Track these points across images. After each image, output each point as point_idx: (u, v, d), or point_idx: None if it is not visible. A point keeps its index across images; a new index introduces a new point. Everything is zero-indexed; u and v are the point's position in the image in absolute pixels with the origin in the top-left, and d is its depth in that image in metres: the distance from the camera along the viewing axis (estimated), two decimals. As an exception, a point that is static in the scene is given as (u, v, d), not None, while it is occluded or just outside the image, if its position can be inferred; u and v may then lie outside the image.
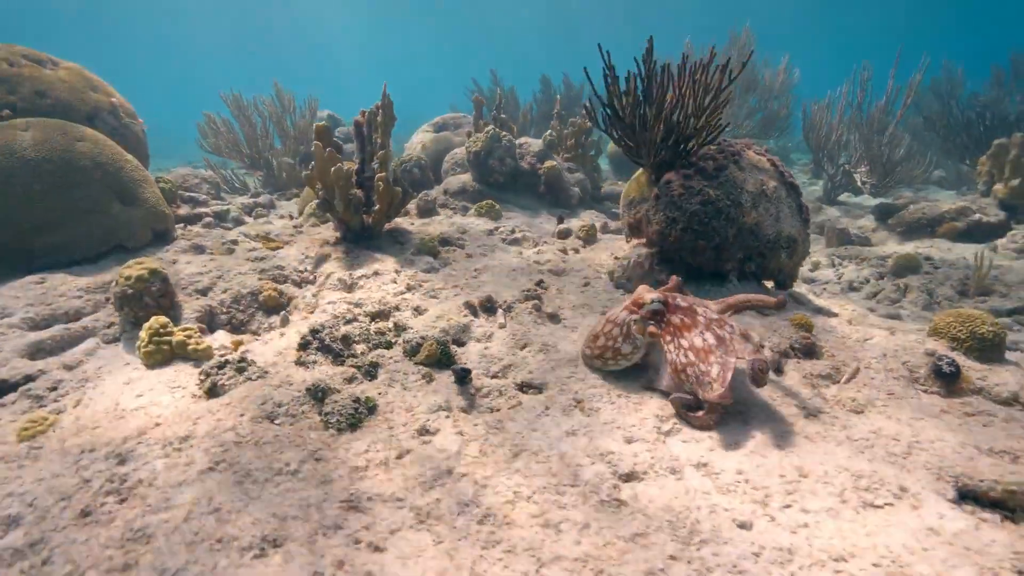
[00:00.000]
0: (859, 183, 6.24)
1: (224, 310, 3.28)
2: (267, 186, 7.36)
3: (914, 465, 1.81)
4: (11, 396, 2.36)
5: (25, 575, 1.47)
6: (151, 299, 2.93)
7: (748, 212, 3.16)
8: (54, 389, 2.43)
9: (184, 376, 2.36)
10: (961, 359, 2.60)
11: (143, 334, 2.50)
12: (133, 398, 2.19)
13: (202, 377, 2.29)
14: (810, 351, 2.68)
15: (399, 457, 1.82)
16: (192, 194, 5.50)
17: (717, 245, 3.14)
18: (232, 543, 1.46)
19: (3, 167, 3.32)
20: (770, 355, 2.47)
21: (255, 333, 3.20)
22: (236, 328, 3.24)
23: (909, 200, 5.98)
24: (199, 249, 3.89)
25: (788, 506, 1.64)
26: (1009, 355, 2.70)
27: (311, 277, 3.58)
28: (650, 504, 1.65)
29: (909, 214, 5.52)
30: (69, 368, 2.65)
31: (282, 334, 2.85)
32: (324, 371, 2.37)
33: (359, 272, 3.51)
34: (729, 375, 2.06)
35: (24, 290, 3.11)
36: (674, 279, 2.53)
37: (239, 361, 2.34)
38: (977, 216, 5.13)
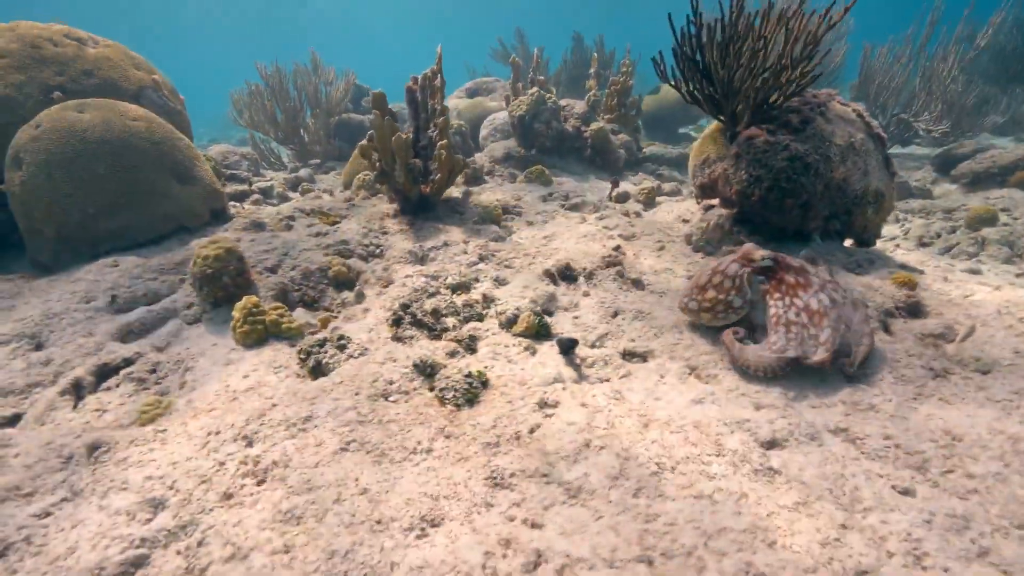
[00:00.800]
0: (922, 131, 5.93)
1: (295, 287, 3.24)
2: (298, 160, 7.24)
3: (1069, 425, 1.72)
4: (114, 379, 2.36)
5: (182, 555, 1.48)
6: (229, 279, 2.90)
7: (836, 167, 3.00)
8: (153, 372, 2.43)
9: (283, 356, 2.33)
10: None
11: (236, 314, 2.47)
12: (240, 379, 2.17)
13: (302, 356, 2.26)
14: (915, 310, 2.57)
15: (531, 432, 1.78)
16: (233, 171, 5.43)
17: (804, 203, 3.00)
18: (392, 524, 1.44)
19: (67, 150, 3.26)
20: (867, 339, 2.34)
21: (328, 309, 3.17)
22: (309, 305, 3.20)
23: (974, 148, 5.69)
24: (258, 226, 3.84)
25: (950, 471, 1.58)
26: None
27: (377, 250, 3.52)
28: (802, 472, 1.59)
29: (976, 163, 5.26)
30: (160, 350, 2.64)
31: (366, 310, 2.81)
32: (424, 346, 2.33)
33: (428, 244, 3.43)
34: (837, 340, 2.01)
35: (102, 274, 3.10)
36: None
37: (338, 339, 2.31)
38: (1050, 163, 4.86)
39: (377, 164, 3.83)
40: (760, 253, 2.30)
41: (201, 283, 2.86)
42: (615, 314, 2.67)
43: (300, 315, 2.94)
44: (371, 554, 1.36)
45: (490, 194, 4.58)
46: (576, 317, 2.66)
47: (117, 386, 2.34)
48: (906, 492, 1.53)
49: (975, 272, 3.85)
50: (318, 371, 2.18)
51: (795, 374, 2.03)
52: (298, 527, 1.48)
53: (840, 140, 3.02)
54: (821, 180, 2.97)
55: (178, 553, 1.48)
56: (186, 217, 3.74)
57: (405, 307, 2.57)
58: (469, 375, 2.04)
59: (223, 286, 2.87)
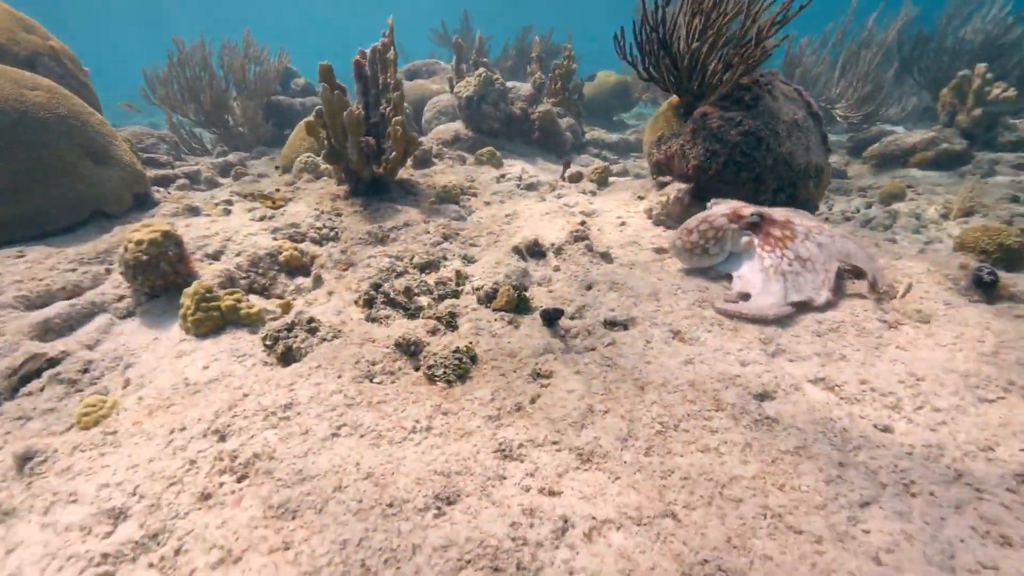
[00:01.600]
0: (839, 117, 6.47)
1: (243, 274, 2.97)
2: (222, 144, 6.66)
3: (1007, 362, 1.93)
4: (37, 383, 2.05)
5: (157, 568, 1.30)
6: (168, 265, 2.60)
7: (784, 142, 3.18)
8: (86, 371, 2.13)
9: (245, 343, 2.12)
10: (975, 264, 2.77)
11: (187, 301, 2.21)
12: (200, 371, 1.95)
13: (268, 342, 2.07)
14: (860, 272, 2.78)
15: (532, 402, 1.74)
16: (151, 155, 4.91)
17: (757, 176, 3.15)
18: (405, 505, 1.35)
19: (-51, 121, 2.77)
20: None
21: (281, 296, 2.94)
22: (259, 293, 2.95)
23: (878, 133, 6.28)
24: (193, 211, 3.48)
25: (920, 407, 1.71)
26: None
27: (332, 233, 3.30)
28: (795, 419, 1.67)
29: (883, 146, 5.80)
30: (90, 347, 2.33)
31: (329, 293, 2.62)
32: (403, 325, 2.21)
33: (387, 224, 3.27)
34: (833, 279, 2.30)
35: (4, 266, 2.67)
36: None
37: (308, 322, 2.13)
38: (944, 145, 5.46)
39: (326, 142, 3.59)
40: (749, 210, 2.49)
41: (135, 271, 2.55)
42: (589, 286, 2.67)
43: (256, 301, 2.70)
44: (388, 538, 1.26)
45: (443, 176, 4.45)
46: (551, 291, 2.64)
47: (41, 390, 2.02)
48: (886, 429, 1.64)
49: (890, 241, 4.25)
50: (289, 357, 2.00)
51: (769, 329, 2.13)
52: (295, 521, 1.35)
53: (786, 117, 3.20)
54: (771, 154, 3.13)
55: (151, 566, 1.31)
56: (105, 201, 3.32)
57: (376, 287, 2.42)
58: (457, 350, 1.95)
59: (161, 273, 2.57)
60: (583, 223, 3.27)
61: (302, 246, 3.21)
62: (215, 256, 3.03)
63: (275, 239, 3.23)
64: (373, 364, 1.93)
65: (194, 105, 5.84)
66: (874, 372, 1.87)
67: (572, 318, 2.39)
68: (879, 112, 6.58)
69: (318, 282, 2.91)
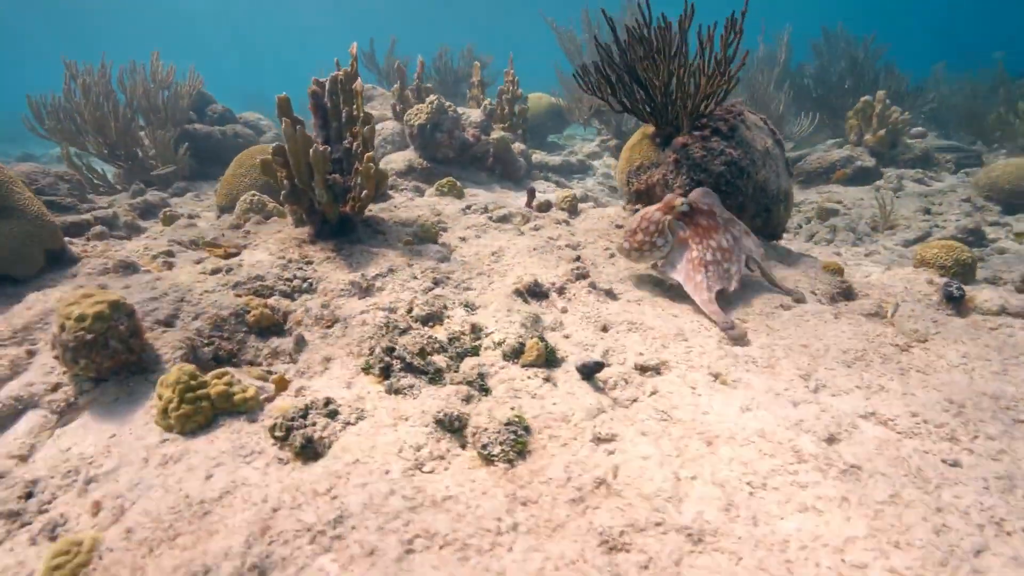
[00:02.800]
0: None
1: (205, 341, 2.55)
2: (130, 181, 5.85)
3: (1018, 379, 2.07)
4: (-40, 522, 1.56)
5: None
6: (119, 343, 2.15)
7: (759, 170, 3.31)
8: (30, 495, 1.67)
9: (247, 438, 1.77)
10: (942, 280, 3.04)
11: (167, 392, 1.80)
12: (202, 482, 1.57)
13: (279, 434, 1.74)
14: (849, 293, 2.93)
15: (614, 476, 1.58)
16: (50, 197, 4.19)
17: (740, 203, 3.25)
18: (529, 637, 1.13)
19: None
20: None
21: (253, 363, 2.55)
22: (225, 361, 2.54)
23: (798, 154, 6.87)
24: (128, 268, 2.96)
25: (975, 437, 1.77)
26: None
27: (305, 284, 2.94)
28: (873, 463, 1.65)
29: (808, 164, 6.34)
30: (24, 459, 1.85)
31: (327, 359, 2.30)
32: (431, 395, 1.96)
33: (370, 271, 2.97)
34: (743, 269, 2.70)
35: None
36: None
37: (325, 403, 1.82)
38: (859, 163, 6.08)
39: (286, 181, 3.22)
40: (679, 200, 2.70)
41: (76, 354, 2.07)
42: (605, 328, 2.58)
43: (246, 383, 2.31)
44: None
45: (406, 210, 4.18)
46: (567, 336, 2.50)
47: (-31, 530, 1.55)
48: (955, 463, 1.67)
49: (836, 255, 4.60)
50: (310, 451, 1.68)
51: (803, 362, 2.14)
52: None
53: (759, 145, 3.34)
54: (751, 182, 3.24)
55: None
56: (10, 263, 2.72)
57: (390, 350, 2.15)
58: (509, 423, 1.75)
59: (111, 353, 2.12)
60: (578, 258, 3.18)
61: (271, 301, 2.82)
62: (168, 322, 2.57)
63: (238, 295, 2.82)
64: (418, 450, 1.67)
65: (96, 137, 5.03)
66: (918, 403, 1.92)
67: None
68: (783, 131, 7.22)
69: (300, 344, 2.56)
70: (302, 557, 1.32)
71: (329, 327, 2.66)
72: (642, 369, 2.22)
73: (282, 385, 2.10)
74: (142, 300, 2.63)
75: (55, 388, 2.12)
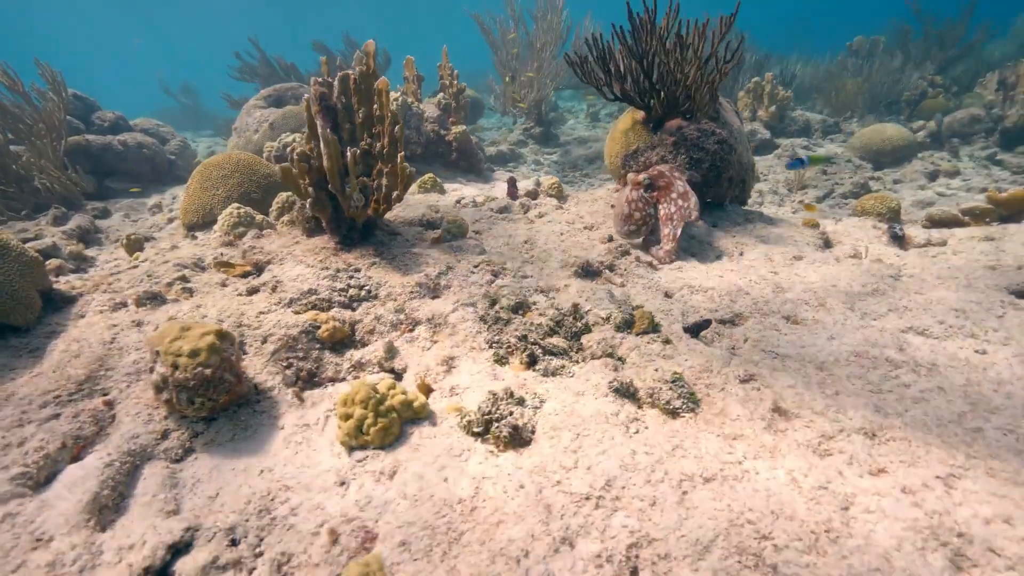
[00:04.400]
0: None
1: (283, 363, 2.41)
2: (14, 209, 4.85)
3: (979, 287, 2.76)
4: (178, 586, 1.41)
5: None
6: (232, 374, 1.98)
7: (738, 146, 3.83)
8: (233, 542, 1.54)
9: (445, 439, 1.76)
10: (884, 224, 3.82)
11: (356, 409, 1.72)
12: (446, 486, 1.57)
13: (478, 429, 1.77)
14: (828, 242, 3.56)
15: (783, 401, 1.88)
16: (-38, 234, 3.44)
17: (730, 177, 3.74)
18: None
19: None
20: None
21: (336, 379, 2.47)
22: (306, 382, 2.43)
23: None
24: (155, 299, 2.62)
25: (991, 330, 2.36)
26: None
27: (363, 293, 2.84)
28: (937, 365, 2.15)
29: (719, 140, 7.25)
30: (199, 515, 1.68)
31: (448, 360, 2.30)
32: (586, 371, 2.10)
33: (431, 271, 2.95)
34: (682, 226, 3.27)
35: (-58, 441, 1.69)
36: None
37: (508, 395, 1.88)
38: (759, 136, 7.09)
39: (311, 189, 3.04)
40: (640, 176, 3.31)
41: (192, 393, 1.88)
42: (667, 294, 2.88)
43: (321, 394, 2.23)
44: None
45: (407, 210, 4.11)
46: (640, 306, 2.76)
47: (192, 591, 1.40)
48: (983, 352, 2.23)
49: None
50: (517, 438, 1.75)
51: (844, 292, 2.64)
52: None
53: (735, 125, 3.85)
54: (735, 157, 3.75)
55: None
56: (8, 309, 2.28)
57: (524, 338, 2.23)
58: (674, 380, 1.97)
59: (227, 387, 1.95)
60: (611, 238, 3.43)
61: (333, 314, 2.71)
62: (240, 347, 2.37)
63: (297, 312, 2.67)
64: (616, 415, 1.83)
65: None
66: (936, 314, 2.50)
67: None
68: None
69: (392, 351, 2.51)
70: (598, 520, 1.43)
71: (411, 330, 2.64)
72: (724, 323, 2.56)
73: (427, 388, 2.09)
74: (221, 325, 2.38)
75: (164, 436, 1.91)
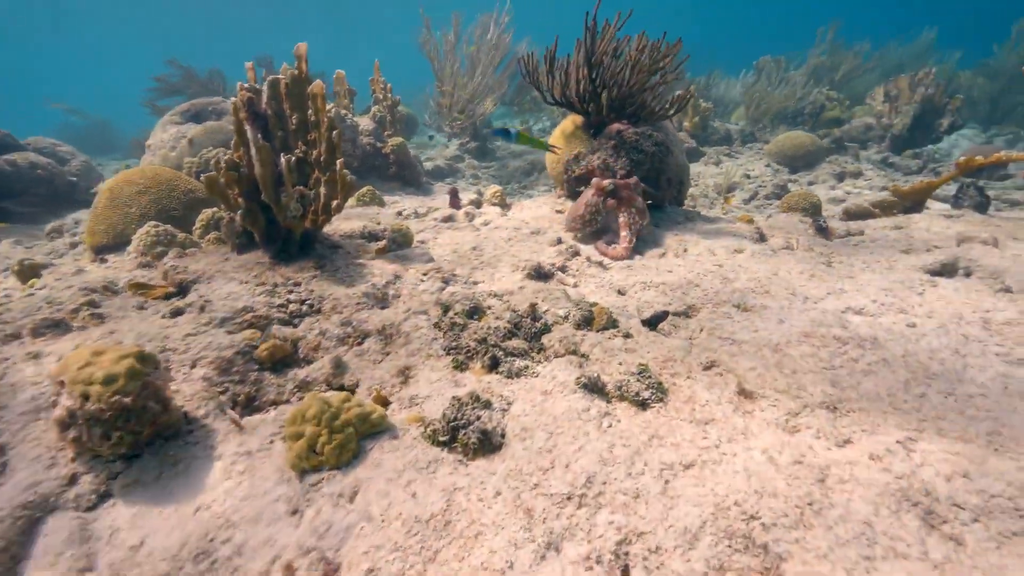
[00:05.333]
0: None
1: (218, 389, 2.17)
2: None
3: (894, 261, 2.98)
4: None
5: None
6: (156, 402, 1.74)
7: (674, 148, 3.97)
8: (165, 596, 1.31)
9: (408, 451, 1.62)
10: (810, 218, 4.09)
11: (308, 428, 1.53)
12: (415, 503, 1.42)
13: (444, 438, 1.64)
14: (763, 236, 3.74)
15: (746, 381, 1.89)
16: None
17: (668, 178, 3.86)
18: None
19: None
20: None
21: (279, 402, 2.26)
22: (247, 406, 2.21)
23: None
24: (57, 326, 2.29)
25: (919, 304, 2.53)
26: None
27: (304, 308, 2.63)
28: (879, 339, 2.27)
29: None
30: (90, 571, 1.43)
31: (405, 370, 2.16)
32: (551, 369, 2.03)
33: (377, 281, 2.79)
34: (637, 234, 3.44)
35: None
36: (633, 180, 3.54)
37: (474, 400, 1.77)
38: (686, 144, 7.47)
39: (241, 200, 2.82)
40: (606, 183, 3.43)
41: (109, 427, 1.63)
42: (621, 292, 2.89)
43: (262, 419, 2.03)
44: (838, 534, 1.29)
45: (347, 222, 3.92)
46: (595, 304, 2.75)
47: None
48: (913, 325, 2.39)
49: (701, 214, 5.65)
50: (487, 444, 1.64)
51: (786, 280, 2.75)
52: None
53: (670, 129, 4.00)
54: (673, 158, 3.88)
55: None
56: None
57: (483, 340, 2.13)
58: (640, 372, 1.95)
59: (151, 417, 1.72)
60: (560, 240, 3.42)
61: (273, 332, 2.49)
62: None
63: (230, 332, 2.43)
64: (588, 411, 1.76)
65: None
66: (868, 294, 2.66)
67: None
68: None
69: (340, 366, 2.34)
70: (581, 520, 1.35)
71: (360, 343, 2.47)
72: (679, 315, 2.59)
73: (383, 401, 1.93)
74: (141, 346, 2.10)
75: (72, 481, 1.64)
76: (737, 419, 1.73)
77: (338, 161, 2.93)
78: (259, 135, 3.06)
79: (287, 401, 2.27)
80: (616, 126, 3.80)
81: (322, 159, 2.95)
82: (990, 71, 10.57)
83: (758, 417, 1.74)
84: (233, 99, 2.76)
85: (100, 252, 3.50)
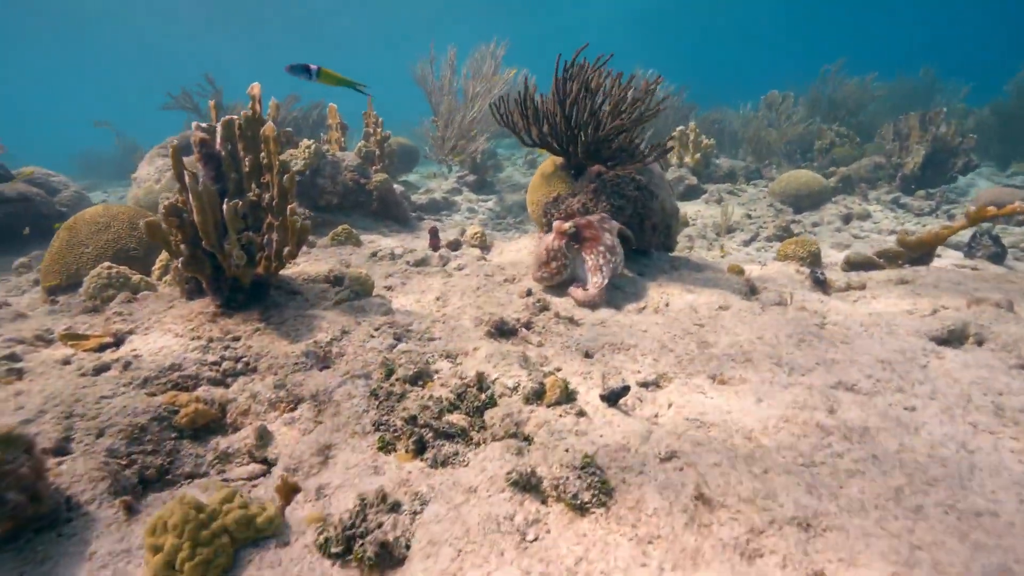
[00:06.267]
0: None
1: (123, 462, 1.95)
2: None
3: (896, 325, 2.68)
4: None
5: None
6: (19, 492, 1.52)
7: (660, 191, 3.76)
8: None
9: (293, 566, 1.38)
10: (807, 269, 3.81)
11: (169, 540, 1.28)
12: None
13: (337, 549, 1.39)
14: (754, 289, 3.47)
15: (707, 487, 1.62)
16: None
17: (654, 224, 3.64)
18: None
19: None
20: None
21: (196, 475, 2.03)
22: (155, 482, 1.98)
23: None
24: (-41, 389, 2.11)
25: (918, 383, 2.24)
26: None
27: (239, 366, 2.43)
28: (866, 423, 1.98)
29: (649, 186, 7.36)
30: None
31: (325, 449, 1.92)
32: (484, 458, 1.78)
33: (321, 337, 2.58)
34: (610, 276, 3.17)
35: None
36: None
37: (381, 499, 1.52)
38: (687, 181, 7.26)
39: (183, 246, 2.65)
40: (566, 225, 3.22)
41: (-49, 527, 1.41)
42: (587, 354, 2.64)
43: (164, 500, 1.79)
44: None
45: (315, 264, 3.75)
46: (558, 369, 2.50)
47: None
48: (913, 408, 2.09)
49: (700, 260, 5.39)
50: (386, 559, 1.39)
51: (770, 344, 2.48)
52: None
53: (655, 171, 3.80)
54: (657, 202, 3.66)
55: None
56: None
57: (412, 420, 1.89)
58: (584, 466, 1.68)
59: (11, 512, 1.50)
60: (530, 292, 3.20)
61: (199, 393, 2.29)
62: (60, 449, 1.92)
63: (151, 394, 2.24)
64: (511, 519, 1.50)
65: None
66: (863, 366, 2.37)
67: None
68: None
69: (265, 437, 2.11)
70: None
71: (292, 409, 2.25)
72: (644, 385, 2.33)
73: (290, 489, 1.69)
74: (9, 425, 1.90)
75: (-93, 589, 1.41)
76: (688, 537, 1.45)
77: (290, 206, 2.77)
78: (211, 177, 2.92)
79: (205, 474, 2.06)
80: (596, 168, 3.61)
81: (274, 203, 2.79)
82: (1002, 109, 10.26)
83: (714, 534, 1.46)
84: (173, 140, 2.63)
85: (52, 293, 3.37)
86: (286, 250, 2.85)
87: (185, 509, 1.33)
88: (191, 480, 2.02)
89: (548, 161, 4.01)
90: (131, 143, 15.93)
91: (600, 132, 3.43)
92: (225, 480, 2.00)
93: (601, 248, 3.18)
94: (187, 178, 2.53)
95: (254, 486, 1.96)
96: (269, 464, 2.05)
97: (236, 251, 2.61)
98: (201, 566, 1.29)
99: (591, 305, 3.08)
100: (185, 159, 2.95)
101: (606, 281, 3.11)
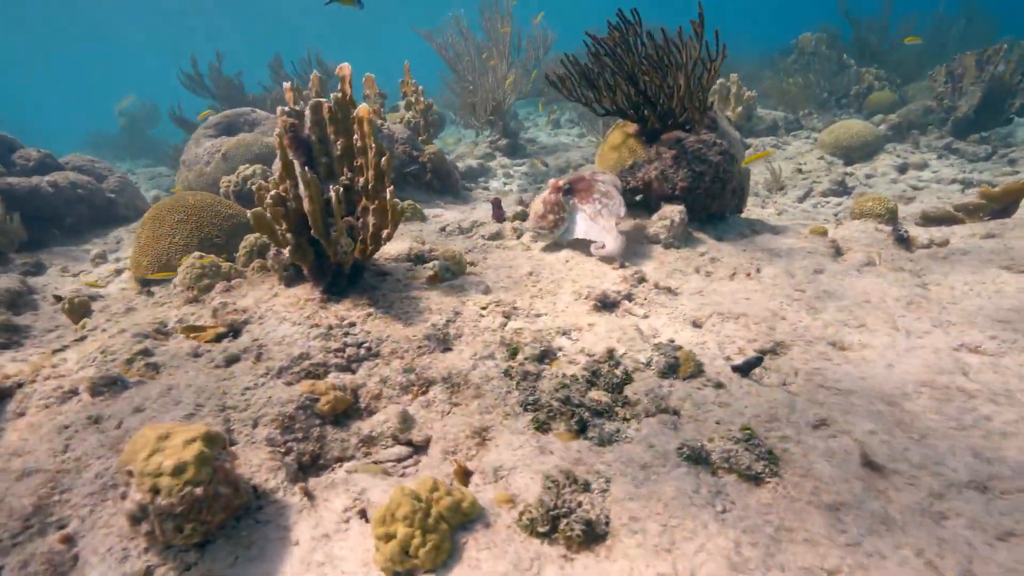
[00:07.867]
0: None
1: (282, 450, 2.05)
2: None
3: (1007, 282, 2.68)
4: None
5: None
6: (227, 486, 1.61)
7: (738, 156, 3.69)
8: None
9: (506, 546, 1.46)
10: (887, 226, 3.77)
11: (399, 528, 1.38)
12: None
13: (543, 528, 1.48)
14: (839, 250, 3.45)
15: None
16: None
17: (733, 188, 3.59)
18: None
19: None
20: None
21: (344, 458, 2.13)
22: (310, 468, 2.08)
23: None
24: (114, 384, 2.19)
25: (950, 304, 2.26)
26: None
27: (362, 352, 2.49)
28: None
29: (691, 143, 7.21)
30: None
31: (481, 431, 1.99)
32: (647, 432, 1.84)
33: (433, 319, 2.63)
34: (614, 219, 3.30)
35: None
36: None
37: (571, 480, 1.59)
38: (730, 137, 7.10)
39: (288, 235, 2.68)
40: (561, 181, 3.37)
41: (180, 521, 1.51)
42: (695, 324, 2.67)
43: (329, 482, 1.89)
44: None
45: (392, 243, 3.76)
46: (671, 340, 2.54)
47: None
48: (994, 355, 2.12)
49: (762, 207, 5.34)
50: (590, 535, 1.47)
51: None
52: None
53: (733, 135, 3.71)
54: (737, 166, 3.60)
55: None
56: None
57: (566, 400, 1.95)
58: (748, 439, 1.74)
59: (224, 503, 1.59)
60: (623, 264, 3.20)
61: (331, 380, 2.36)
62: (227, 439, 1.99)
63: (289, 383, 2.31)
64: (696, 491, 1.57)
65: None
66: (981, 326, 2.38)
67: (727, 358, 2.36)
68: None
69: (407, 420, 2.19)
70: (724, 652, 1.17)
71: (425, 392, 2.32)
72: (764, 352, 2.37)
73: (465, 472, 1.77)
74: (178, 419, 2.00)
75: (148, 575, 1.52)
76: (873, 504, 1.51)
77: (388, 189, 2.76)
78: (304, 163, 2.91)
79: (352, 457, 2.15)
80: (675, 134, 3.53)
81: (370, 187, 2.78)
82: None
83: (896, 500, 1.53)
84: (276, 132, 2.60)
85: (146, 285, 3.43)
86: (384, 233, 2.86)
87: (410, 503, 1.41)
88: (341, 464, 2.11)
89: (617, 129, 3.92)
90: (140, 124, 15.79)
91: (677, 97, 3.35)
92: (375, 463, 2.10)
93: (595, 195, 3.32)
94: (296, 166, 2.52)
95: (405, 468, 2.06)
96: (414, 446, 2.14)
97: (344, 239, 2.63)
98: (433, 551, 1.38)
99: (609, 259, 3.19)
100: (265, 141, 2.93)
101: (612, 224, 3.23)
